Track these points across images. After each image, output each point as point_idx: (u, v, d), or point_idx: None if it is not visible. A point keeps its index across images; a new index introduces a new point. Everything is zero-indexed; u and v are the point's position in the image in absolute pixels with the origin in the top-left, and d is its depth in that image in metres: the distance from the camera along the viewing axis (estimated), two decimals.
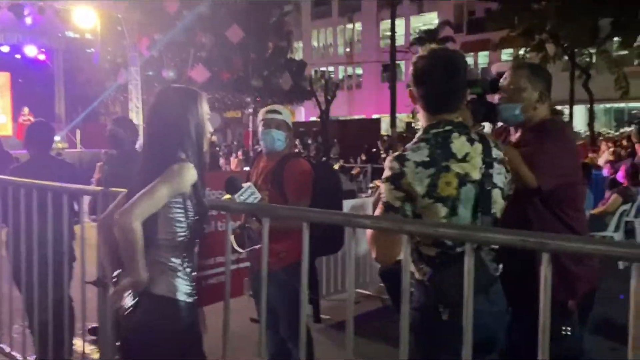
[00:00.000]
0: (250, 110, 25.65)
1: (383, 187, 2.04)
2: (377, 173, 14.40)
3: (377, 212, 2.03)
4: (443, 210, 2.01)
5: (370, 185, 13.19)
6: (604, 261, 6.32)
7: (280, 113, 3.43)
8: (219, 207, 2.49)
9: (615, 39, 23.12)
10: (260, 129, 3.44)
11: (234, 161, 17.00)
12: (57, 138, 20.78)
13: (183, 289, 2.14)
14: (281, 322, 3.34)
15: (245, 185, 2.47)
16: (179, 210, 2.12)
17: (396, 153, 2.08)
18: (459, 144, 2.07)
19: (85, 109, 21.88)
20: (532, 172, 2.48)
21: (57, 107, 21.60)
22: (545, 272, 1.46)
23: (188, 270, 2.17)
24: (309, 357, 3.45)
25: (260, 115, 3.49)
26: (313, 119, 33.48)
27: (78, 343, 4.08)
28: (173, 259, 2.13)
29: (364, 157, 18.85)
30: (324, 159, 18.14)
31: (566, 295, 2.33)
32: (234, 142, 26.53)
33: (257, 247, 2.79)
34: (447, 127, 2.10)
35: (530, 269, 2.44)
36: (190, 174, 2.10)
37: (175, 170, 2.08)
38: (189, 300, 2.15)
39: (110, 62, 22.07)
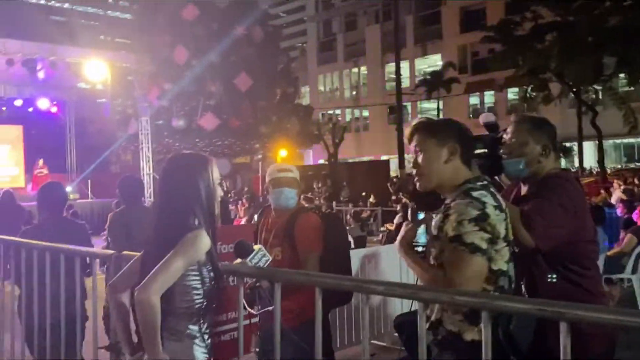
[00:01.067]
0: (259, 156, 25.85)
1: (463, 229, 2.05)
2: (387, 216, 14.38)
3: (454, 256, 2.05)
4: (507, 255, 2.13)
5: (382, 229, 13.15)
6: (622, 302, 6.19)
7: (291, 171, 3.50)
8: (230, 273, 2.49)
9: (621, 75, 23.28)
10: (270, 187, 3.47)
11: (241, 208, 17.03)
12: (69, 189, 21.03)
13: (200, 356, 2.14)
14: None
15: (256, 248, 2.48)
16: (196, 279, 2.14)
17: (463, 199, 2.13)
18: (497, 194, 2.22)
19: (96, 160, 22.12)
20: (530, 233, 2.42)
21: (68, 158, 21.87)
22: (564, 342, 1.43)
23: (205, 336, 2.18)
24: None
25: (270, 174, 3.53)
26: (321, 161, 33.67)
27: None
28: (191, 326, 2.15)
29: (373, 200, 18.81)
30: (334, 203, 18.12)
31: (579, 355, 2.28)
32: (245, 188, 26.65)
33: (269, 308, 2.77)
34: (486, 181, 2.26)
35: (542, 335, 2.40)
36: (204, 242, 2.12)
37: (190, 241, 2.09)
38: None
39: (120, 113, 22.41)
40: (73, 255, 3.15)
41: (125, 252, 2.84)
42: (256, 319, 3.80)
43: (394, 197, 17.71)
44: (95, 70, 17.39)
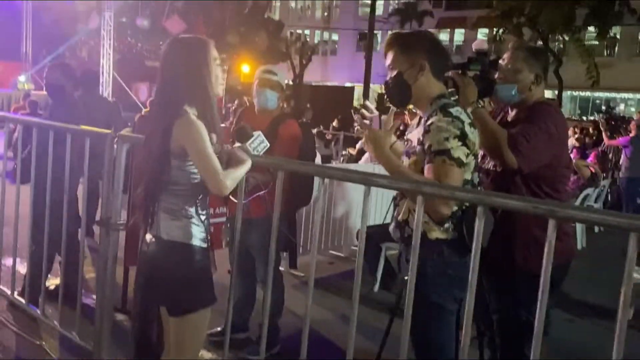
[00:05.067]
0: (226, 67, 25.27)
1: (450, 145, 2.20)
2: (349, 141, 14.54)
3: (443, 167, 2.21)
4: (473, 166, 2.32)
5: (344, 152, 13.33)
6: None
7: (275, 74, 3.62)
8: None
9: (590, 28, 23.57)
10: (255, 87, 3.57)
11: None
12: (22, 78, 20.21)
13: (198, 235, 2.23)
14: (258, 266, 3.61)
15: (255, 133, 2.56)
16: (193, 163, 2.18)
17: (444, 117, 2.25)
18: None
19: (52, 51, 21.17)
20: (515, 154, 2.60)
21: (23, 45, 20.86)
22: (550, 237, 1.62)
23: (202, 217, 2.25)
24: (279, 299, 3.68)
25: (256, 74, 3.67)
26: (286, 81, 33.21)
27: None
28: (187, 207, 2.21)
29: (335, 124, 18.90)
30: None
31: (540, 266, 2.53)
32: None
33: (260, 193, 3.05)
34: (457, 95, 2.42)
35: (505, 239, 2.65)
36: (202, 129, 2.13)
37: (194, 133, 2.11)
38: (204, 245, 2.24)
39: (83, 5, 21.28)
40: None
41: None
42: (222, 219, 3.99)
43: (356, 125, 17.81)
44: None
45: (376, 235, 3.52)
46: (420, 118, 2.44)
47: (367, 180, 1.99)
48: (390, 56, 2.43)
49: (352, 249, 6.03)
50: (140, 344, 2.51)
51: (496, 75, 2.86)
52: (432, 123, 2.26)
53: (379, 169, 2.48)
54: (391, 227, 2.54)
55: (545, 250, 1.65)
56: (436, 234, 2.30)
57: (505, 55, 2.88)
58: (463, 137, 2.22)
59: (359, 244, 2.19)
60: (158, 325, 2.39)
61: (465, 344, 1.87)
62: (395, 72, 2.40)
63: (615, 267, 1.56)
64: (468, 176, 2.32)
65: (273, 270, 3.55)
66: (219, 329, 3.54)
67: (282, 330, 3.74)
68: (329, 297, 4.88)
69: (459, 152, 2.21)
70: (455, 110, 2.28)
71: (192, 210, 2.22)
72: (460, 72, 2.81)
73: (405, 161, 2.43)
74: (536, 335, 1.68)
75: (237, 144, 2.53)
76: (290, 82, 29.27)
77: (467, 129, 2.25)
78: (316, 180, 5.14)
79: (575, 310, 4.89)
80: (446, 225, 2.29)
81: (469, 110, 2.66)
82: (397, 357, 2.10)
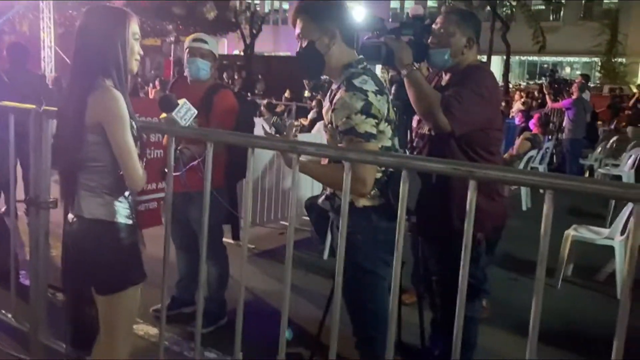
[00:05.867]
0: (172, 39, 24.63)
1: (354, 121, 2.18)
2: (302, 111, 14.49)
3: (352, 146, 2.18)
4: (390, 132, 2.30)
5: (295, 123, 13.29)
6: (510, 202, 6.84)
7: (206, 42, 3.48)
8: (164, 131, 2.51)
9: None
10: (185, 56, 3.46)
11: (152, 91, 16.41)
12: None
13: (122, 212, 2.16)
14: (200, 241, 3.50)
15: (181, 101, 2.47)
16: None
17: (346, 91, 2.23)
18: (378, 75, 2.37)
19: None
20: (447, 117, 2.62)
21: None
22: (471, 196, 1.65)
23: (126, 193, 2.18)
24: (223, 272, 3.66)
25: (186, 43, 3.53)
26: (236, 52, 32.66)
27: None
28: (108, 184, 2.13)
29: (287, 95, 18.77)
30: (249, 94, 17.91)
31: (475, 228, 2.61)
32: (151, 72, 25.50)
33: (194, 164, 3.03)
34: (365, 62, 2.39)
35: (442, 202, 2.69)
36: (120, 99, 2.06)
37: (113, 108, 2.04)
38: (129, 222, 2.18)
39: None
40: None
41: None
42: (161, 194, 3.91)
43: (307, 94, 17.76)
44: None
45: None
46: (331, 91, 2.41)
47: (295, 148, 1.97)
48: (299, 25, 2.37)
49: (303, 219, 6.05)
50: (74, 325, 2.46)
51: (429, 40, 2.86)
52: (337, 100, 2.26)
53: None
54: (320, 200, 2.55)
55: (467, 209, 1.67)
56: (363, 201, 2.32)
57: (438, 20, 2.87)
58: (367, 109, 2.21)
59: (289, 214, 2.18)
60: (93, 304, 2.34)
61: (393, 306, 1.89)
62: (306, 42, 2.35)
63: (558, 227, 1.60)
64: (387, 143, 2.33)
65: (215, 243, 3.56)
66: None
67: (230, 303, 3.73)
68: (278, 267, 4.89)
69: (364, 126, 2.20)
70: (360, 81, 2.26)
71: (114, 186, 2.14)
72: (394, 37, 2.80)
73: (327, 138, 2.45)
74: (460, 294, 1.71)
75: (163, 115, 2.46)
76: (241, 53, 28.82)
77: (372, 97, 2.23)
78: (265, 152, 5.13)
79: (518, 269, 5.07)
80: (372, 192, 2.31)
81: (404, 72, 2.67)
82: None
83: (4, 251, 3.32)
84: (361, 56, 2.44)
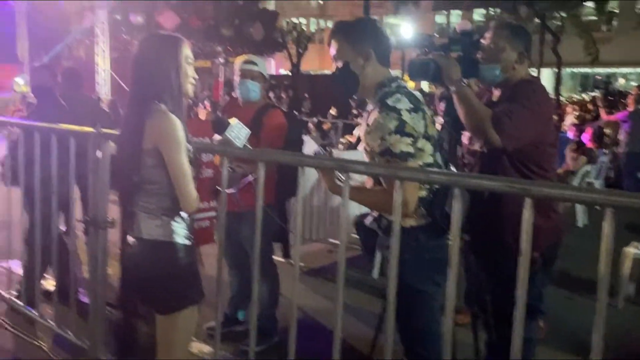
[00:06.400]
0: (221, 60, 25.19)
1: (389, 142, 2.18)
2: (348, 128, 14.51)
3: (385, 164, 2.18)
4: (430, 148, 2.28)
5: (342, 140, 13.31)
6: (565, 219, 6.66)
7: (256, 64, 3.56)
8: (218, 152, 2.57)
9: (587, 3, 23.36)
10: (236, 78, 3.54)
11: (202, 112, 16.79)
12: (21, 80, 20.18)
13: (180, 232, 2.21)
14: (252, 259, 3.51)
15: (232, 122, 2.52)
16: None
17: (379, 112, 2.23)
18: (414, 92, 2.34)
19: (49, 52, 21.11)
20: (498, 133, 2.57)
21: (19, 48, 20.82)
22: (527, 216, 1.61)
23: (183, 214, 2.23)
24: (274, 290, 3.68)
25: (236, 66, 3.60)
26: (283, 71, 33.11)
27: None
28: (166, 205, 2.18)
29: (334, 112, 18.85)
30: (296, 113, 18.07)
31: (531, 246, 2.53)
32: (203, 92, 26.07)
33: (247, 181, 3.09)
34: (399, 80, 2.38)
35: (494, 219, 2.64)
36: (177, 123, 2.11)
37: (169, 130, 2.09)
38: (187, 242, 2.23)
39: (76, 5, 21.21)
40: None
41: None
42: (213, 213, 3.97)
43: (355, 111, 17.79)
44: None
45: None
46: (368, 113, 2.40)
47: (343, 167, 1.97)
48: (334, 46, 2.39)
49: (352, 236, 6.02)
50: (130, 343, 2.52)
51: (479, 55, 2.83)
52: (372, 122, 2.26)
53: None
54: (368, 221, 2.54)
55: (523, 228, 1.64)
56: (410, 221, 2.29)
57: (487, 35, 2.84)
58: (401, 128, 2.18)
59: (339, 233, 2.18)
60: (150, 323, 2.39)
61: (447, 326, 1.86)
62: (341, 63, 2.37)
63: (616, 243, 1.55)
64: (429, 159, 2.30)
65: (266, 261, 3.59)
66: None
67: (281, 321, 3.74)
68: (328, 285, 4.89)
69: (400, 145, 2.18)
70: (393, 100, 2.24)
71: (171, 207, 2.19)
72: (442, 53, 2.78)
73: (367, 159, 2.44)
74: (519, 314, 1.67)
75: (217, 136, 2.51)
76: (288, 72, 29.19)
77: (406, 116, 2.21)
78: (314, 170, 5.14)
79: (575, 287, 4.90)
80: (418, 211, 2.29)
81: (453, 89, 2.65)
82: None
83: (64, 269, 3.44)
84: (395, 74, 2.43)
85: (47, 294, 3.83)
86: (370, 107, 2.38)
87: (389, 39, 2.46)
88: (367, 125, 2.32)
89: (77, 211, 3.92)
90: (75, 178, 3.40)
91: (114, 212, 2.75)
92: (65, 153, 3.23)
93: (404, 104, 2.23)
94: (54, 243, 3.37)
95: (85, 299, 3.70)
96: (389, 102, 2.24)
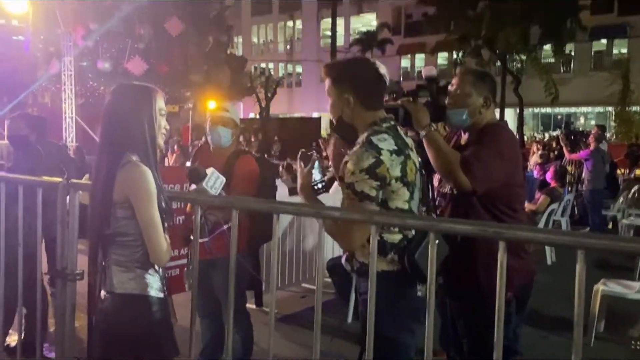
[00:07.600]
0: (190, 105, 25.24)
1: (355, 178, 2.18)
2: None
3: (347, 202, 2.18)
4: (407, 195, 2.27)
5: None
6: (535, 257, 6.72)
7: (227, 110, 3.56)
8: (190, 200, 2.54)
9: (546, 47, 24.33)
10: (207, 125, 3.55)
11: (171, 156, 16.71)
12: None
13: (154, 285, 2.16)
14: (224, 309, 3.48)
15: (209, 171, 2.51)
16: None
17: (361, 147, 2.24)
18: (404, 136, 2.37)
19: (13, 100, 20.84)
20: (467, 176, 2.63)
21: None
22: (501, 258, 1.63)
23: (156, 266, 2.18)
24: (247, 338, 3.61)
25: (208, 112, 3.60)
26: (252, 115, 33.34)
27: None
28: (138, 257, 2.13)
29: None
30: (265, 155, 18.12)
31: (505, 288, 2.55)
32: (173, 138, 25.97)
33: (218, 232, 3.08)
34: (392, 122, 2.40)
35: (468, 262, 2.66)
36: (149, 175, 2.09)
37: (140, 183, 2.06)
38: (161, 295, 2.18)
39: (42, 51, 21.13)
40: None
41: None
42: (183, 261, 3.91)
43: (324, 154, 17.94)
44: (15, 4, 16.27)
45: None
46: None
47: (319, 213, 1.97)
48: (327, 83, 2.44)
49: (325, 280, 5.98)
50: None
51: (446, 101, 2.90)
52: (351, 153, 2.27)
53: None
54: (343, 259, 2.53)
55: (498, 271, 1.65)
56: (382, 265, 2.25)
57: (454, 81, 2.91)
58: (373, 168, 2.19)
59: (316, 279, 2.16)
60: None
61: None
62: (335, 115, 2.42)
63: (586, 280, 1.56)
64: (403, 205, 2.28)
65: (239, 310, 3.52)
66: None
67: None
68: (301, 332, 4.80)
69: (363, 185, 2.19)
70: (378, 138, 2.25)
71: (145, 259, 2.14)
72: (411, 99, 2.85)
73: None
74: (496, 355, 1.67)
75: (193, 186, 2.50)
76: (257, 116, 29.40)
77: (386, 156, 2.21)
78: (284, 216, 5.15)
79: (548, 326, 4.92)
80: (389, 256, 2.27)
81: (422, 133, 2.70)
82: None
83: (30, 323, 3.31)
84: (389, 115, 2.45)
85: (10, 350, 3.67)
86: (358, 140, 2.37)
87: (377, 80, 2.43)
88: (347, 154, 2.32)
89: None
90: (42, 229, 3.32)
91: (82, 263, 2.67)
92: (33, 203, 3.15)
93: (387, 145, 2.24)
94: (20, 296, 3.25)
95: (50, 354, 3.56)
96: (374, 139, 2.25)
